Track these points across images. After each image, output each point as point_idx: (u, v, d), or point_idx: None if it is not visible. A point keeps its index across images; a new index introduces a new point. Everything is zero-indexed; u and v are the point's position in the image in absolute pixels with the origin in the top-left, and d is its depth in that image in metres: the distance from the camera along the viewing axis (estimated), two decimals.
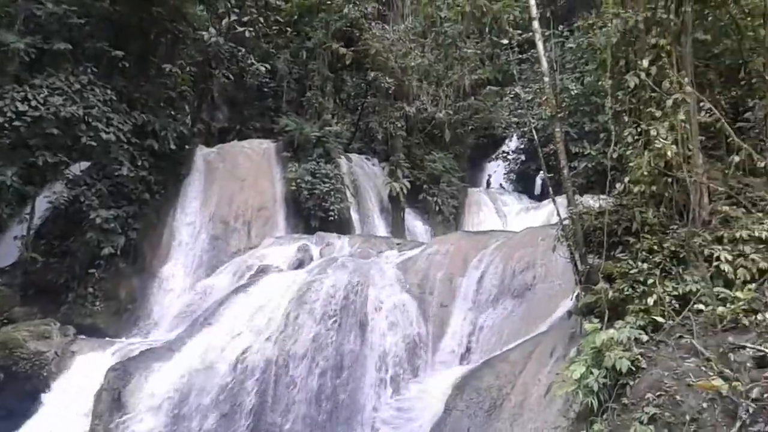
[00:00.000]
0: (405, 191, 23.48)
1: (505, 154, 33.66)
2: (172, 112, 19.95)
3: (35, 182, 16.92)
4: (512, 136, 32.74)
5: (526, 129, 29.51)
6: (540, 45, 11.33)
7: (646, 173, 9.27)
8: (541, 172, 12.50)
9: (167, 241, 19.63)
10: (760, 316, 7.32)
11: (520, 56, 24.77)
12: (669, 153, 9.00)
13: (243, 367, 12.36)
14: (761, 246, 8.39)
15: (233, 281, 16.67)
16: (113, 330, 17.16)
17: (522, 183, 31.91)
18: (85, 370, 13.69)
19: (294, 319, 12.95)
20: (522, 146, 32.74)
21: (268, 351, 12.48)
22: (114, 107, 16.94)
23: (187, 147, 21.00)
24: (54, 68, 15.97)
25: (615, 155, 10.04)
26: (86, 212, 16.86)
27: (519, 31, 22.13)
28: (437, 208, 24.70)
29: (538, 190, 28.99)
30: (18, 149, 15.67)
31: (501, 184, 32.93)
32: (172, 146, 19.19)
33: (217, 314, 13.94)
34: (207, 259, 19.33)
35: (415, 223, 24.28)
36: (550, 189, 12.22)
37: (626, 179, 9.74)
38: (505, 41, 22.22)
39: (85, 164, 17.99)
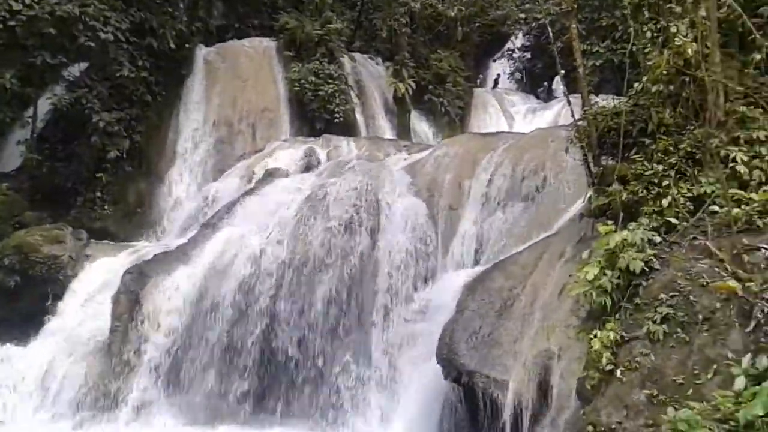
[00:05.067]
0: (410, 92, 22.94)
1: (510, 52, 32.74)
2: (169, 9, 19.24)
3: (35, 84, 16.70)
4: (517, 33, 31.72)
5: (533, 25, 28.60)
6: None
7: (664, 72, 9.05)
8: (558, 71, 12.15)
9: (171, 144, 19.46)
10: None
11: None
12: (689, 51, 8.74)
13: (257, 268, 12.54)
14: None
15: (241, 185, 16.60)
16: (123, 234, 17.36)
17: (529, 83, 31.25)
18: (101, 273, 13.97)
19: (306, 222, 13.06)
20: (528, 43, 31.80)
21: (281, 253, 12.66)
22: (110, 5, 16.40)
23: (186, 46, 20.39)
24: None
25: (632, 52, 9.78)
26: (88, 115, 16.66)
27: None
28: (443, 110, 24.24)
29: (556, 86, 28.16)
30: (14, 50, 15.35)
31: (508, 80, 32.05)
32: (172, 45, 18.73)
33: (228, 218, 14.02)
34: (213, 163, 19.20)
35: (420, 125, 23.89)
36: (565, 88, 11.98)
37: (644, 78, 9.53)
38: None
39: (84, 65, 17.62)
